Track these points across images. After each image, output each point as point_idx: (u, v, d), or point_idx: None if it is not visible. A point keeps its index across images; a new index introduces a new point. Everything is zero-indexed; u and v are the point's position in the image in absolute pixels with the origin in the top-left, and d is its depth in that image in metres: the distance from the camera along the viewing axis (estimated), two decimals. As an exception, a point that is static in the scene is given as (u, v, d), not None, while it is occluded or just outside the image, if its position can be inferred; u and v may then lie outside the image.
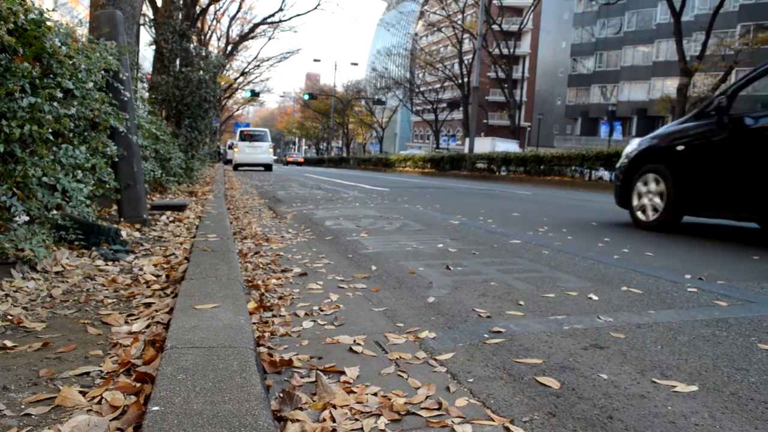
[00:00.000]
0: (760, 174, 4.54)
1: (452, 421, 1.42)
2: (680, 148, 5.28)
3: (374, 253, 3.83)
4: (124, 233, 3.72)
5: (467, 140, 26.06)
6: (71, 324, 2.01)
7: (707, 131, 5.05)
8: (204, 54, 11.67)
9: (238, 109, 56.47)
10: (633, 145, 6.04)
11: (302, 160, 58.45)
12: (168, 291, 2.47)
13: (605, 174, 17.70)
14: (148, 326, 1.97)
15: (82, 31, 4.45)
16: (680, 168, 5.23)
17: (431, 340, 2.05)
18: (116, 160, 4.03)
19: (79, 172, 3.10)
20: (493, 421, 1.43)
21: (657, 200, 5.46)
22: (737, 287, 2.99)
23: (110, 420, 1.30)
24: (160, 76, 9.57)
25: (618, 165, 6.17)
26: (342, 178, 18.33)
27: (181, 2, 14.76)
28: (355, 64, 64.29)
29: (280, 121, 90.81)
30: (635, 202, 5.78)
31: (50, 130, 2.76)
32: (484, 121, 56.65)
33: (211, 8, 25.75)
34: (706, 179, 5.00)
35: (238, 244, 3.97)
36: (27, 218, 2.74)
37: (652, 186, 5.54)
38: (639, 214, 5.72)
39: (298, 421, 1.36)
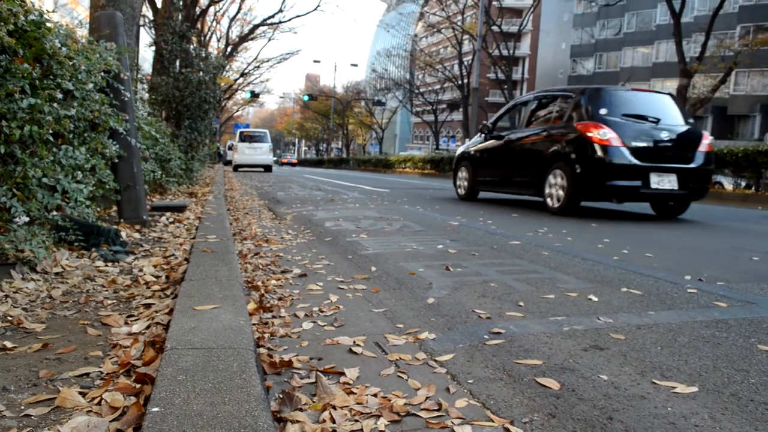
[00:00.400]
0: (506, 166, 7.86)
1: (452, 422, 1.42)
2: (473, 152, 8.89)
3: (374, 254, 3.83)
4: (123, 234, 3.72)
5: (467, 141, 26.13)
6: (71, 325, 2.01)
7: (481, 142, 8.74)
8: (204, 55, 11.67)
9: (237, 110, 56.44)
10: (459, 150, 9.71)
11: (295, 161, 60.11)
12: (168, 292, 2.47)
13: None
14: (147, 327, 1.97)
15: (82, 33, 4.46)
16: (474, 163, 8.81)
17: (431, 341, 2.05)
18: (116, 161, 4.03)
19: (79, 173, 3.10)
20: (493, 422, 1.43)
21: (465, 182, 9.05)
22: (737, 288, 2.99)
23: (110, 421, 1.30)
24: (160, 77, 9.57)
25: (454, 161, 9.78)
26: (341, 179, 18.33)
27: (181, 3, 14.76)
28: (355, 65, 64.18)
29: (279, 122, 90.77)
30: (457, 185, 9.37)
31: (50, 131, 2.76)
32: (484, 122, 56.60)
33: (211, 9, 25.76)
34: (484, 169, 8.52)
35: (238, 245, 3.97)
36: (27, 219, 2.74)
37: (463, 174, 9.15)
38: (459, 191, 9.30)
39: (297, 422, 1.36)
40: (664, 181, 6.13)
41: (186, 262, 2.92)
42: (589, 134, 6.11)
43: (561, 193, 6.51)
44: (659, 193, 6.17)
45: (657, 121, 6.36)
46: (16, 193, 2.55)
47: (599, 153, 6.05)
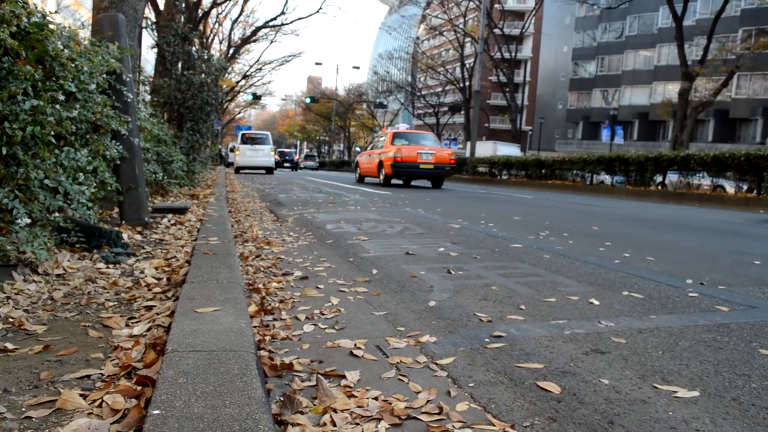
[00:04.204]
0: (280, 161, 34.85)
1: (453, 426, 1.42)
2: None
3: (375, 257, 3.83)
4: (125, 236, 3.73)
5: (469, 144, 26.41)
6: (72, 327, 2.01)
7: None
8: (206, 57, 11.68)
9: (239, 112, 56.56)
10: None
11: None
12: (169, 294, 2.47)
13: (606, 178, 17.70)
14: (149, 329, 1.97)
15: (85, 34, 4.46)
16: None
17: (432, 345, 2.05)
18: (118, 162, 4.03)
19: (81, 174, 3.10)
20: (494, 425, 1.43)
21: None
22: (738, 292, 2.99)
23: (111, 423, 1.30)
24: (162, 79, 9.59)
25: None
26: (343, 181, 18.33)
27: (184, 5, 14.79)
28: (357, 68, 64.20)
29: (281, 124, 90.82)
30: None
31: (52, 133, 2.76)
32: (486, 124, 56.67)
33: (214, 11, 25.84)
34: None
35: (239, 247, 3.98)
36: (29, 221, 2.74)
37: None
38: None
39: (298, 425, 1.36)
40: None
41: (187, 264, 2.92)
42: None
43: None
44: (286, 166, 34.34)
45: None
46: (18, 194, 2.55)
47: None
